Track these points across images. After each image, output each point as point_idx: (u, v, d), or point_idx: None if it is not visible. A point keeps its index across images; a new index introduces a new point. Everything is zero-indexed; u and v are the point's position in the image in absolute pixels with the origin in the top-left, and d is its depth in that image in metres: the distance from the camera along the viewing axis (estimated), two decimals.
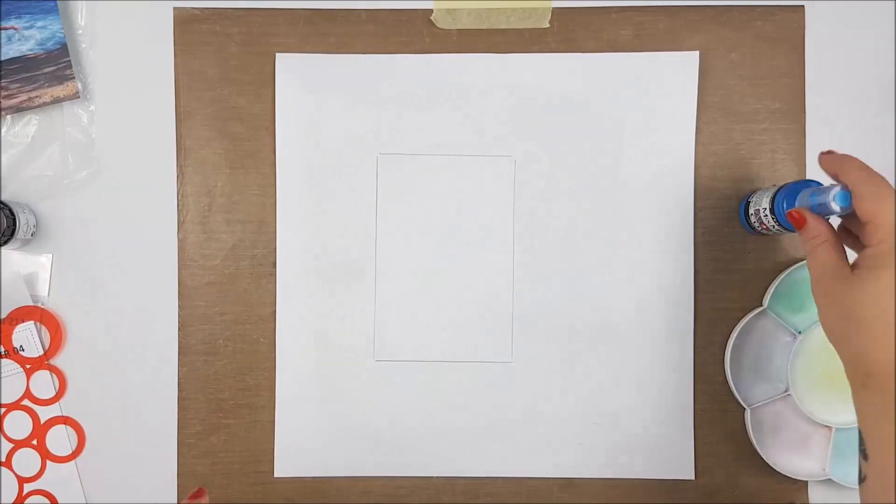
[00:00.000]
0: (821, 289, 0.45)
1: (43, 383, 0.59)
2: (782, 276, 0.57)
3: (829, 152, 0.47)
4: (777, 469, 0.57)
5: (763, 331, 0.58)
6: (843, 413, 0.57)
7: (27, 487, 0.59)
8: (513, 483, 0.60)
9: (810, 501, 0.59)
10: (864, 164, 0.45)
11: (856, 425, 0.54)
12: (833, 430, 0.57)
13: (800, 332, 0.57)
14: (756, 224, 0.56)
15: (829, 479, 0.58)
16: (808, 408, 0.57)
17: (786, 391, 0.57)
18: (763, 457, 0.57)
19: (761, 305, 0.58)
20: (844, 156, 0.46)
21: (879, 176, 0.44)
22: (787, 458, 0.58)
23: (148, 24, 0.60)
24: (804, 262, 0.57)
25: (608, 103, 0.60)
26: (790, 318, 0.58)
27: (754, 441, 0.57)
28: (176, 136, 0.60)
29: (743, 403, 0.58)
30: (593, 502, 0.60)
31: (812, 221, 0.47)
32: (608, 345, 0.59)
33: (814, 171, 0.60)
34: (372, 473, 0.60)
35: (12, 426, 0.60)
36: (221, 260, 0.60)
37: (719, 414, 0.59)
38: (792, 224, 0.48)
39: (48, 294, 0.60)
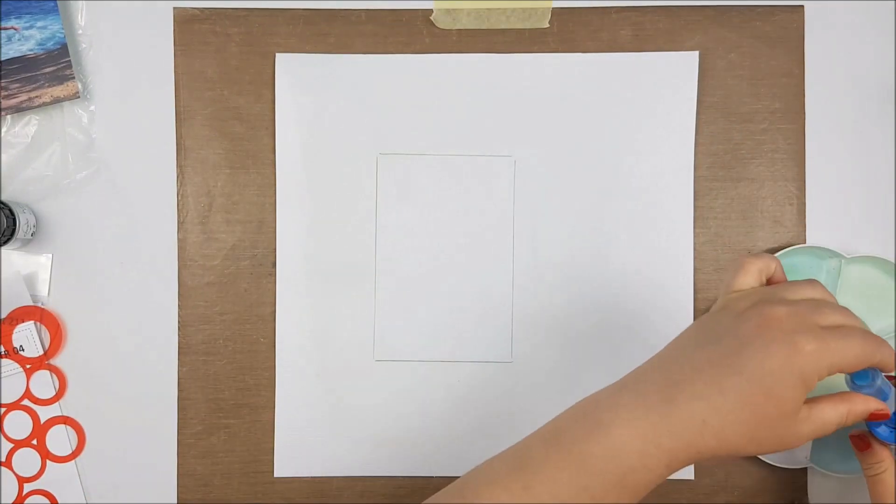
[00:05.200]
0: None
1: (43, 383, 0.59)
2: None
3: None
4: (759, 456, 0.57)
5: None
6: None
7: (27, 487, 0.59)
8: None
9: (810, 501, 0.59)
10: None
11: None
12: None
13: None
14: None
15: (828, 476, 0.58)
16: None
17: None
18: None
19: None
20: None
21: None
22: None
23: (148, 25, 0.60)
24: (787, 250, 0.58)
25: (608, 103, 0.60)
26: None
27: None
28: (176, 136, 0.60)
29: None
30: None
31: (877, 447, 0.48)
32: (608, 345, 0.59)
33: (814, 171, 0.60)
34: (372, 473, 0.60)
35: (12, 426, 0.60)
36: (221, 260, 0.60)
37: None
38: (853, 445, 0.49)
39: (48, 294, 0.60)
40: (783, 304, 0.40)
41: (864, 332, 0.40)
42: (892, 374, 0.43)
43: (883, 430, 0.47)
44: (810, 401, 0.40)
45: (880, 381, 0.42)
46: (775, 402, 0.38)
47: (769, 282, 0.44)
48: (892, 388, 0.44)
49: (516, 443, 0.42)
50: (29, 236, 0.58)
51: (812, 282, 0.43)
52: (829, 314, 0.40)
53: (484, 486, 0.41)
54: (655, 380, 0.40)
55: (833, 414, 0.40)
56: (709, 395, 0.38)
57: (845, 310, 0.41)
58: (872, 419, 0.42)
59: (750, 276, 0.43)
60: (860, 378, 0.43)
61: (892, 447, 0.48)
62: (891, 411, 0.43)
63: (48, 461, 0.60)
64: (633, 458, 0.38)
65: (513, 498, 0.39)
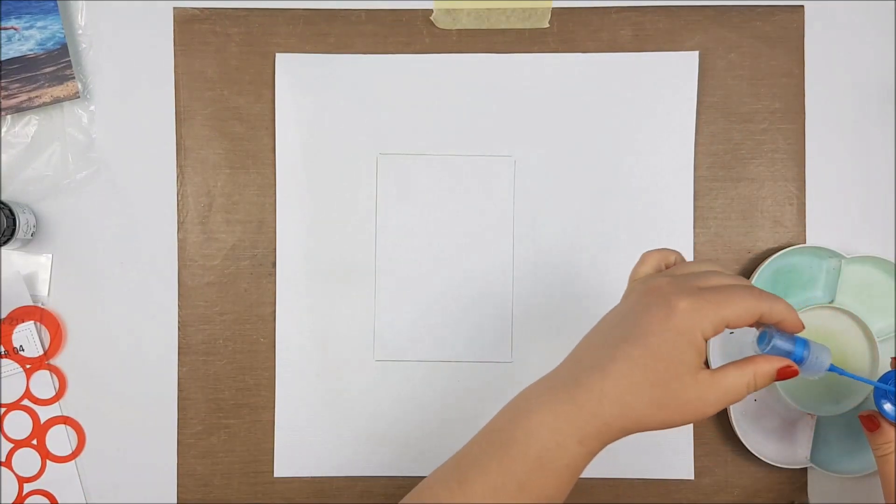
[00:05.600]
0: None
1: (43, 383, 0.59)
2: (765, 263, 0.57)
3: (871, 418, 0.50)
4: (759, 456, 0.57)
5: None
6: (826, 402, 0.57)
7: (27, 487, 0.59)
8: None
9: (811, 501, 0.59)
10: None
11: (839, 413, 0.54)
12: (815, 417, 0.57)
13: None
14: None
15: (828, 476, 0.58)
16: (791, 395, 0.57)
17: None
18: (745, 444, 0.57)
19: None
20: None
21: None
22: (770, 445, 0.58)
23: (148, 25, 0.60)
24: (787, 250, 0.58)
25: (608, 103, 0.60)
26: None
27: (736, 428, 0.57)
28: (176, 136, 0.60)
29: None
30: (593, 502, 0.60)
31: (886, 427, 0.49)
32: None
33: (814, 171, 0.60)
34: (372, 473, 0.60)
35: (12, 426, 0.60)
36: (221, 260, 0.60)
37: (719, 413, 0.59)
38: (863, 425, 0.51)
39: (48, 294, 0.60)
40: (667, 276, 0.43)
41: (747, 288, 0.41)
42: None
43: (890, 410, 0.48)
44: (718, 368, 0.41)
45: (778, 338, 0.42)
46: (662, 362, 0.39)
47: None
48: (809, 345, 0.43)
49: (444, 463, 0.45)
50: (29, 236, 0.58)
51: (707, 261, 0.44)
52: (713, 278, 0.42)
53: (429, 486, 0.43)
54: (565, 366, 0.43)
55: (738, 377, 0.41)
56: (603, 365, 0.40)
57: (736, 276, 0.43)
58: (781, 377, 0.42)
59: (647, 266, 0.45)
60: (761, 340, 0.43)
61: None
62: (791, 361, 0.42)
63: (48, 461, 0.60)
64: (546, 437, 0.40)
65: (451, 495, 0.42)
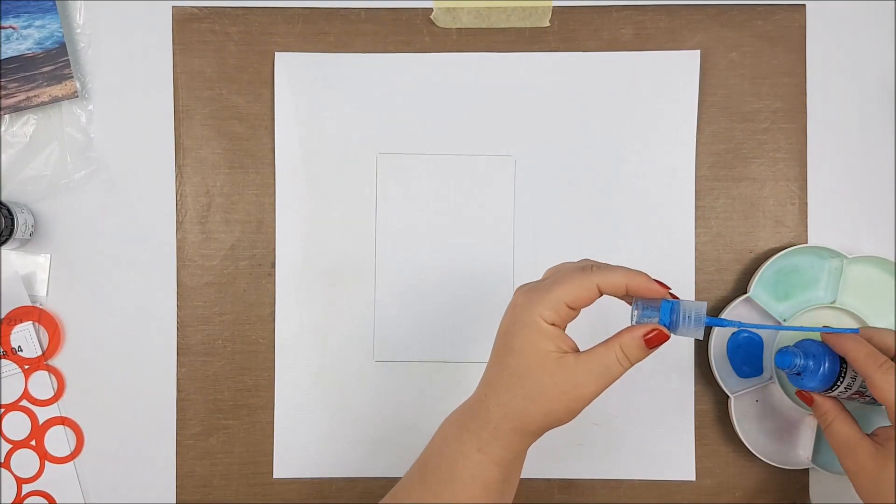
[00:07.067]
0: (851, 463, 0.49)
1: (41, 384, 0.59)
2: (766, 263, 0.57)
3: (835, 335, 0.51)
4: (760, 457, 0.57)
5: (747, 318, 0.58)
6: None
7: (26, 488, 0.59)
8: None
9: (812, 502, 0.59)
10: (869, 347, 0.48)
11: None
12: None
13: (784, 320, 0.57)
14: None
15: (830, 476, 0.58)
16: (792, 396, 0.57)
17: (770, 379, 0.57)
18: (746, 444, 0.57)
19: (745, 293, 0.58)
20: (848, 337, 0.49)
21: (883, 357, 0.47)
22: (771, 446, 0.58)
23: (147, 24, 0.60)
24: (789, 250, 0.57)
25: (609, 102, 0.59)
26: (775, 305, 0.58)
27: (737, 428, 0.57)
28: (175, 135, 0.60)
29: (726, 391, 0.57)
30: (594, 503, 0.59)
31: (819, 399, 0.52)
32: None
33: (815, 171, 0.60)
34: (372, 474, 0.59)
35: (11, 427, 0.59)
36: (220, 260, 0.60)
37: (720, 414, 0.59)
38: (803, 402, 0.53)
39: (46, 294, 0.60)
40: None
41: (581, 268, 0.42)
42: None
43: (805, 381, 0.51)
44: (585, 351, 0.42)
45: (641, 307, 0.43)
46: (521, 355, 0.42)
47: None
48: (677, 306, 0.43)
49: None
50: (27, 236, 0.58)
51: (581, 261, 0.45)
52: (560, 270, 0.44)
53: None
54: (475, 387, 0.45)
55: (606, 353, 0.42)
56: (487, 376, 0.44)
57: (586, 261, 0.45)
58: (652, 344, 0.42)
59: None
60: (632, 315, 0.44)
61: (832, 392, 0.51)
62: (659, 325, 0.42)
63: (47, 462, 0.59)
64: (452, 447, 0.44)
65: None
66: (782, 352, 0.52)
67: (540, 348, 0.41)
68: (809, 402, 0.52)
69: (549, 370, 0.41)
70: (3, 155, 0.60)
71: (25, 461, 0.59)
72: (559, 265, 0.45)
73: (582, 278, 0.42)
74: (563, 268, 0.44)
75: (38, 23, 0.58)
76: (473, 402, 0.44)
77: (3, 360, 0.59)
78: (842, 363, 0.50)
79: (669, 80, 0.59)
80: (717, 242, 0.60)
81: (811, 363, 0.51)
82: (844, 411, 0.51)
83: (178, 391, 0.60)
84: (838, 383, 0.51)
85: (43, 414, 0.59)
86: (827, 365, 0.50)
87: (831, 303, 0.57)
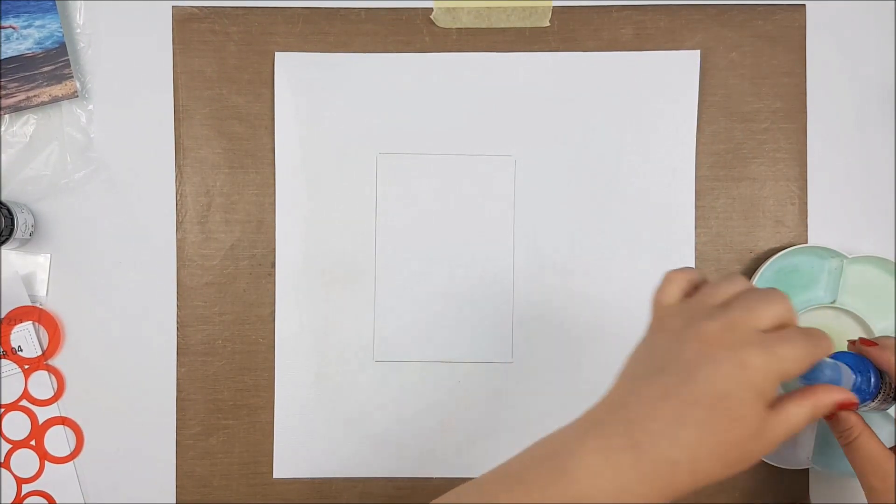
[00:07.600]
0: (878, 482, 0.46)
1: (41, 384, 0.59)
2: (766, 263, 0.57)
3: (866, 342, 0.48)
4: (762, 458, 0.57)
5: None
6: None
7: (25, 488, 0.59)
8: None
9: (812, 502, 0.59)
10: None
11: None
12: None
13: None
14: None
15: (830, 476, 0.58)
16: None
17: None
18: None
19: None
20: (884, 343, 0.47)
21: None
22: None
23: (147, 23, 0.60)
24: (789, 249, 0.57)
25: (609, 102, 0.59)
26: None
27: None
28: (175, 135, 0.60)
29: None
30: None
31: (843, 413, 0.47)
32: (608, 344, 0.59)
33: (815, 171, 0.60)
34: (372, 474, 0.59)
35: (10, 427, 0.59)
36: (220, 260, 0.60)
37: None
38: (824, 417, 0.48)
39: (46, 294, 0.60)
40: (714, 316, 0.39)
41: (804, 332, 0.39)
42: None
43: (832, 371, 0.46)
44: (777, 405, 0.39)
45: (829, 370, 0.41)
46: (739, 423, 0.37)
47: (696, 289, 0.43)
48: (841, 368, 0.42)
49: (477, 478, 0.40)
50: (27, 236, 0.58)
51: (731, 276, 0.41)
52: (762, 311, 0.39)
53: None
54: (615, 420, 0.38)
55: (799, 413, 0.39)
56: (673, 433, 0.36)
57: (773, 295, 0.40)
58: (842, 409, 0.40)
59: (674, 289, 0.42)
60: (809, 376, 0.42)
61: (864, 406, 0.47)
62: (851, 392, 0.41)
63: (47, 462, 0.59)
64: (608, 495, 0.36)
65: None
66: (823, 366, 0.45)
67: (760, 417, 0.37)
68: (832, 416, 0.48)
69: (756, 435, 0.38)
70: (3, 155, 0.60)
71: (25, 461, 0.59)
72: (739, 286, 0.41)
73: (813, 353, 0.38)
74: (781, 316, 0.39)
75: (38, 23, 0.58)
76: (648, 463, 0.37)
77: (2, 360, 0.59)
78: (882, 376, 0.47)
79: (669, 80, 0.59)
80: (717, 242, 0.60)
81: (858, 378, 0.46)
82: (868, 426, 0.47)
83: (178, 391, 0.60)
84: (877, 397, 0.47)
85: (43, 414, 0.59)
86: (873, 380, 0.46)
87: (831, 303, 0.57)
